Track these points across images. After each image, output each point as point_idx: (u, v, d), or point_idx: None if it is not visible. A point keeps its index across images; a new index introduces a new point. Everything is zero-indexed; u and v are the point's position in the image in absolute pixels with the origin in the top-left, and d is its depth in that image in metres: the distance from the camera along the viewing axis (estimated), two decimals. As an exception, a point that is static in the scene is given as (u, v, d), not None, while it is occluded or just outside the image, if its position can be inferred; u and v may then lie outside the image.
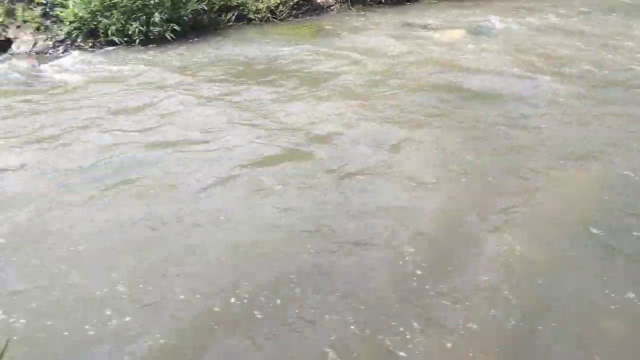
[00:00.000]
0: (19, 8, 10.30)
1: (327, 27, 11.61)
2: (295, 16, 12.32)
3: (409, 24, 11.85)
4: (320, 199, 4.85)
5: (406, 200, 4.85)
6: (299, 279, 3.79)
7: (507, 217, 4.64)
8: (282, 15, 12.19)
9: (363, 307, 3.55)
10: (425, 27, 11.69)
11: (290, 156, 5.70)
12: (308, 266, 3.94)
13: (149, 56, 9.78)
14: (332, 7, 12.90)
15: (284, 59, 9.37)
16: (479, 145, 5.97)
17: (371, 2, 13.19)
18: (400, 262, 3.98)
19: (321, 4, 12.81)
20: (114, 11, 10.35)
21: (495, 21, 12.09)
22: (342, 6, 12.99)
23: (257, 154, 5.73)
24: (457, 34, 11.20)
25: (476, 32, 11.35)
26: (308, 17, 12.37)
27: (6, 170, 5.50)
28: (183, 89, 7.87)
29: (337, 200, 4.82)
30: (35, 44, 10.18)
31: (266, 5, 12.10)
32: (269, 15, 12.09)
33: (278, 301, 3.58)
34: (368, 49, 9.88)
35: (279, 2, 12.18)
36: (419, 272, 3.87)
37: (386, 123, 6.54)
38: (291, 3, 12.26)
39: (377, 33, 11.12)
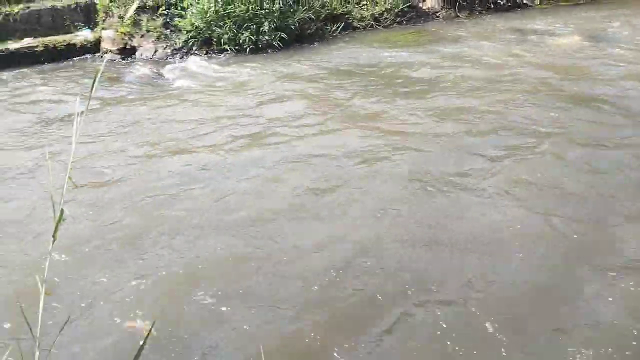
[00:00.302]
0: (143, 19, 11.14)
1: (434, 34, 11.37)
2: (400, 23, 12.21)
3: (520, 30, 11.30)
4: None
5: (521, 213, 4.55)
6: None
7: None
8: (386, 22, 12.14)
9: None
10: (538, 33, 11.07)
11: (397, 159, 5.61)
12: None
13: (258, 63, 10.13)
14: (438, 14, 12.64)
15: (389, 66, 9.30)
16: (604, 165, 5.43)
17: (480, 9, 12.78)
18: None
19: (427, 10, 12.61)
20: (227, 21, 10.88)
21: (617, 26, 11.17)
22: (449, 13, 12.69)
23: (369, 156, 5.69)
24: (574, 39, 10.49)
25: (595, 37, 10.56)
26: (413, 24, 12.21)
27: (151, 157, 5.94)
28: (291, 95, 8.05)
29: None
30: (156, 51, 10.96)
31: (370, 13, 12.13)
32: (372, 22, 12.09)
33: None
34: (477, 56, 9.52)
35: (383, 9, 12.16)
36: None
37: (495, 133, 6.22)
38: (396, 10, 12.17)
39: (487, 39, 10.70)
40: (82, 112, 1.54)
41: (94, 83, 1.65)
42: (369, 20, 12.06)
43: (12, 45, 10.94)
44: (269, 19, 11.02)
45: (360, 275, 3.87)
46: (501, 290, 3.69)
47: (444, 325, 3.33)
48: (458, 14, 12.69)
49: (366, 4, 12.21)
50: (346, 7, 12.05)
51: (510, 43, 10.29)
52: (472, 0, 12.75)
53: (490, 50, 9.91)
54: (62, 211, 1.55)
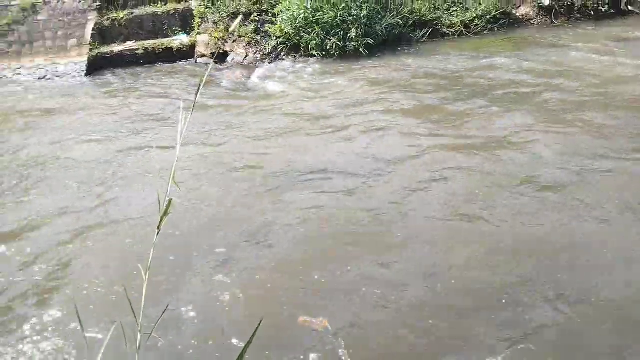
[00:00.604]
0: (233, 24, 11.53)
1: (528, 41, 10.90)
2: (491, 30, 11.80)
3: (625, 39, 10.56)
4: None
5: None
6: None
7: None
8: (476, 29, 11.78)
9: None
10: (645, 42, 10.31)
11: (484, 164, 5.41)
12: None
13: (344, 69, 10.18)
14: (532, 21, 12.11)
15: (479, 74, 9.01)
16: None
17: (579, 16, 12.08)
18: None
19: (520, 17, 12.11)
20: (316, 27, 11.04)
21: None
22: (544, 19, 12.11)
23: (453, 162, 5.54)
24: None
25: None
26: (505, 32, 11.76)
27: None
28: (378, 100, 8.01)
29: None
30: (246, 56, 11.32)
31: (460, 19, 11.82)
32: (462, 29, 11.78)
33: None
34: (578, 65, 9.00)
35: (474, 16, 11.81)
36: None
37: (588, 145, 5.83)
38: (488, 17, 11.78)
39: (587, 48, 10.09)
40: (186, 115, 1.58)
41: (199, 87, 1.71)
42: (458, 27, 11.77)
43: (116, 47, 11.74)
44: (357, 25, 11.05)
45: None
46: None
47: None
48: (554, 20, 12.08)
49: (456, 11, 11.92)
50: (435, 13, 11.84)
51: (613, 52, 9.64)
52: (570, 6, 12.08)
53: (591, 59, 9.34)
54: (169, 203, 1.58)
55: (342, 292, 3.79)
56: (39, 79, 11.24)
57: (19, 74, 11.49)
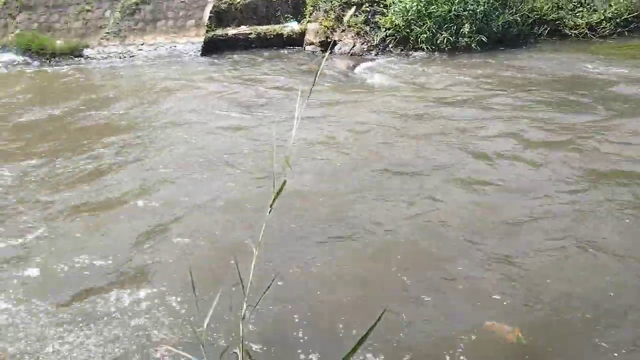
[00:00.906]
0: (347, 14, 11.57)
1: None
2: (620, 34, 10.84)
3: None
4: None
5: None
6: None
7: None
8: (603, 32, 10.88)
9: None
10: None
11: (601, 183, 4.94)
12: None
13: (453, 65, 9.85)
14: (670, 26, 10.97)
15: (603, 82, 8.28)
16: None
17: None
18: None
19: (657, 22, 11.01)
20: (427, 20, 10.78)
21: None
22: (685, 26, 10.92)
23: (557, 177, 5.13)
24: None
25: None
26: (636, 36, 10.75)
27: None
28: (485, 99, 7.65)
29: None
30: (354, 46, 11.32)
31: (586, 21, 10.98)
32: (587, 31, 10.94)
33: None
34: None
35: (602, 18, 10.91)
36: None
37: None
38: (618, 20, 10.83)
39: None
40: (302, 101, 1.56)
41: (316, 75, 1.68)
42: (582, 28, 10.95)
43: (231, 31, 12.24)
44: (471, 21, 10.66)
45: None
46: None
47: None
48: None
49: (582, 11, 11.09)
50: (558, 13, 11.09)
51: None
52: None
53: None
54: (283, 183, 1.58)
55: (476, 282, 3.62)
56: (159, 56, 12.01)
57: (141, 49, 12.35)
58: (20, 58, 12.65)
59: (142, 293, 3.69)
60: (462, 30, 10.67)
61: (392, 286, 3.73)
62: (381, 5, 11.48)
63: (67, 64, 12.02)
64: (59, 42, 12.80)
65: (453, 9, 10.70)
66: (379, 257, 4.08)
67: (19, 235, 4.57)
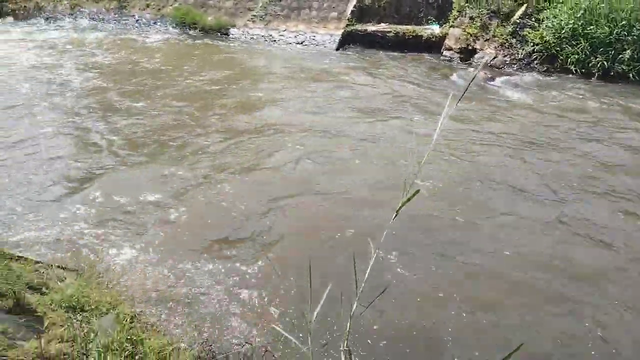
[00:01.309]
0: (493, 23, 11.09)
1: None
2: None
3: None
4: None
5: None
6: None
7: None
8: None
9: None
10: None
11: None
12: None
13: (603, 95, 9.03)
14: None
15: None
16: None
17: None
18: None
19: None
20: (582, 41, 9.99)
21: None
22: None
23: None
24: None
25: None
26: None
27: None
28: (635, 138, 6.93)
29: None
30: (494, 57, 10.82)
31: None
32: None
33: None
34: None
35: None
36: None
37: None
38: None
39: None
40: (448, 110, 1.47)
41: (469, 84, 1.58)
42: None
43: (370, 27, 12.27)
44: (634, 47, 9.69)
45: None
46: None
47: None
48: None
49: None
50: None
51: None
52: None
53: None
54: (416, 191, 1.50)
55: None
56: (297, 43, 12.40)
57: (282, 35, 12.82)
58: (174, 30, 13.76)
59: (260, 263, 3.85)
60: (621, 56, 9.76)
61: (509, 317, 3.54)
62: (533, 19, 10.83)
63: (215, 40, 12.84)
64: (209, 19, 13.72)
65: (614, 32, 9.81)
66: (495, 284, 3.90)
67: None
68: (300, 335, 3.10)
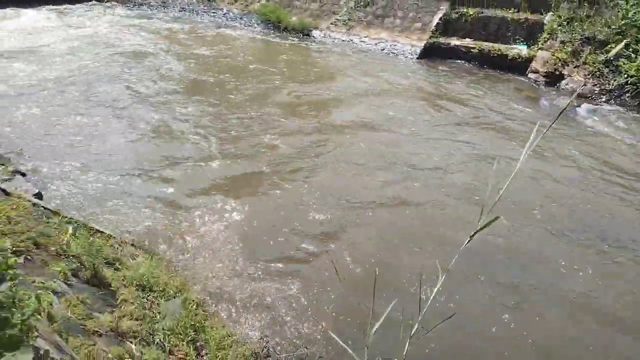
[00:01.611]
0: (585, 50, 10.56)
1: None
2: None
3: None
4: None
5: None
6: None
7: None
8: None
9: None
10: None
11: None
12: None
13: None
14: None
15: None
16: None
17: None
18: None
19: None
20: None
21: None
22: None
23: None
24: None
25: None
26: None
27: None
28: None
29: None
30: (583, 85, 10.30)
31: None
32: None
33: None
34: None
35: None
36: None
37: None
38: None
39: None
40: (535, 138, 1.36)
41: (560, 112, 1.47)
42: None
43: (454, 41, 12.03)
44: None
45: None
46: None
47: None
48: None
49: None
50: None
51: None
52: None
53: None
54: (495, 218, 1.40)
55: None
56: (379, 50, 12.37)
57: (364, 41, 12.83)
58: (258, 26, 14.12)
59: (327, 273, 3.86)
60: None
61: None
62: (630, 49, 10.22)
63: (297, 40, 13.04)
64: (293, 19, 13.96)
65: None
66: (558, 333, 3.71)
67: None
68: (357, 347, 3.09)
